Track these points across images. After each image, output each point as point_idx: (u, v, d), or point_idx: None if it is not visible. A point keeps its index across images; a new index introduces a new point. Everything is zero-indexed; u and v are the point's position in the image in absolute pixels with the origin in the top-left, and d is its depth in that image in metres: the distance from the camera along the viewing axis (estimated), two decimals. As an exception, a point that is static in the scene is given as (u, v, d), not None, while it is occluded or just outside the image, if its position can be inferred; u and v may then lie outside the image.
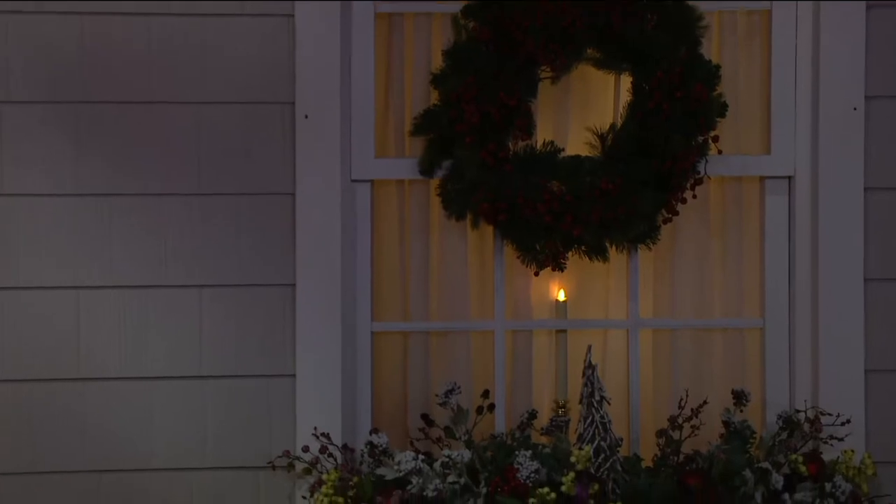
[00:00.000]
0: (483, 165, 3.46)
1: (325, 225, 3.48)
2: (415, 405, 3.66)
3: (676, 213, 3.55)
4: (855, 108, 3.54)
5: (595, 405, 3.39)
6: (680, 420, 3.49)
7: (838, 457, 3.50)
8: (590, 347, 3.45)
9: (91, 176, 3.44)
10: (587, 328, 3.69)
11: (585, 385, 3.41)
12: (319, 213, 3.48)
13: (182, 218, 3.46)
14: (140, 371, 3.45)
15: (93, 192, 3.44)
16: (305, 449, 3.44)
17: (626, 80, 3.56)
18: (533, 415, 3.58)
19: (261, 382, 3.48)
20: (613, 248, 3.56)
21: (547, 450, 3.42)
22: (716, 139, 3.51)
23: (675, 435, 3.49)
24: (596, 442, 3.38)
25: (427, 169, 3.57)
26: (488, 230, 3.61)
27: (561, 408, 3.63)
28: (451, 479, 3.32)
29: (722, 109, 3.53)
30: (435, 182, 3.59)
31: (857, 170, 3.55)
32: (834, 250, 3.55)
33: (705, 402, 3.53)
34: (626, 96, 3.56)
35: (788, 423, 3.54)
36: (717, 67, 3.53)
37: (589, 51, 3.52)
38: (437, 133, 3.53)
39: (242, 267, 3.47)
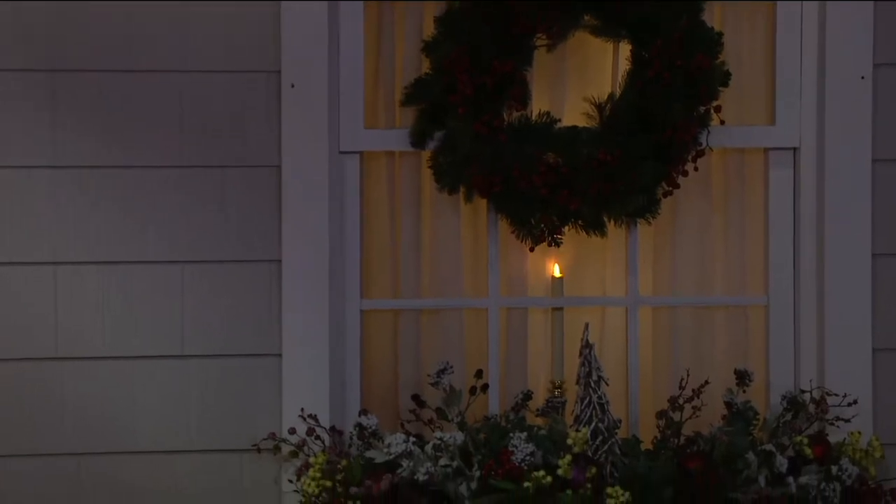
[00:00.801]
0: (477, 137, 3.45)
1: (312, 198, 3.46)
2: (405, 386, 3.65)
3: (677, 186, 3.53)
4: (863, 77, 3.52)
5: (592, 385, 3.38)
6: (680, 401, 3.48)
7: (845, 439, 3.48)
8: (587, 326, 3.44)
9: (69, 148, 3.41)
10: (584, 306, 3.69)
11: (582, 365, 3.40)
12: (306, 187, 3.45)
13: (164, 191, 3.44)
14: (121, 350, 3.43)
15: (71, 164, 3.41)
16: (292, 431, 3.42)
17: (625, 48, 3.55)
18: (528, 395, 3.57)
19: (246, 362, 3.46)
20: (611, 222, 3.55)
21: (542, 432, 3.41)
22: (718, 109, 3.50)
23: (676, 416, 3.48)
24: (593, 424, 3.37)
25: (418, 140, 3.54)
26: (482, 204, 3.60)
27: (557, 388, 3.62)
28: (443, 462, 3.31)
29: (724, 78, 3.51)
30: (426, 154, 3.57)
31: (865, 141, 3.53)
32: (841, 224, 3.54)
33: (707, 383, 3.52)
34: (624, 65, 3.54)
35: (793, 403, 3.52)
36: (720, 35, 3.50)
37: (586, 17, 3.50)
38: (428, 103, 3.51)
39: (226, 242, 3.45)
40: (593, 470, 3.29)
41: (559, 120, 3.54)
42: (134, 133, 3.42)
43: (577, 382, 3.42)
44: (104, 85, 3.41)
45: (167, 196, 3.43)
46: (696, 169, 3.53)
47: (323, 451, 3.40)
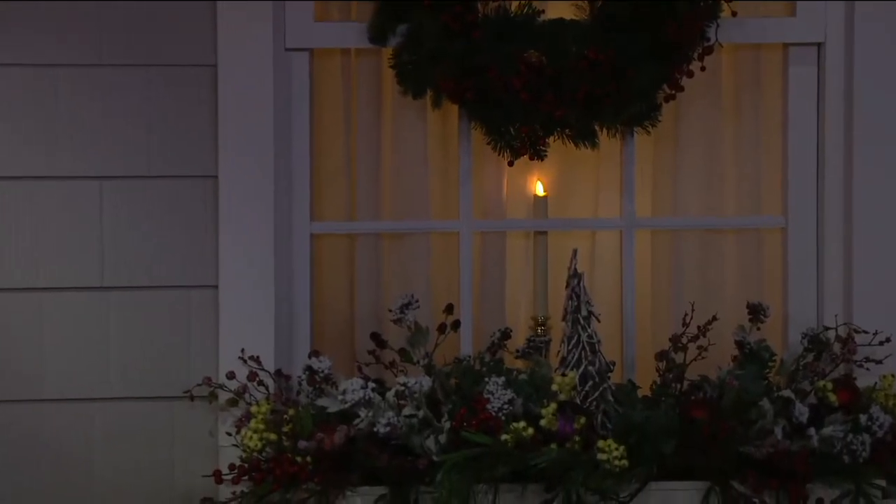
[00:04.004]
0: (446, 32, 3.33)
1: (253, 104, 3.34)
2: (363, 323, 3.56)
3: (681, 90, 3.39)
4: (898, -42, 3.44)
5: (581, 322, 3.27)
6: (684, 340, 3.39)
7: (875, 383, 3.36)
8: (575, 252, 3.31)
9: (-39, 43, 3.36)
10: (572, 229, 3.60)
11: (570, 298, 3.29)
12: (246, 90, 3.34)
13: (78, 94, 3.31)
14: (27, 281, 3.32)
15: (-36, 61, 3.35)
16: (231, 376, 3.32)
17: (620, -75, 3.48)
18: (506, 334, 3.47)
19: (176, 295, 3.36)
20: (604, 132, 3.43)
21: (523, 376, 3.32)
22: (729, -2, 3.44)
23: (679, 358, 3.38)
24: (582, 367, 3.26)
25: (378, 35, 3.41)
26: (452, 110, 3.47)
27: (540, 326, 3.53)
28: (407, 411, 3.20)
29: (737, -39, 3.45)
30: (387, 52, 3.45)
31: (901, 34, 3.47)
32: (872, 133, 3.40)
33: (714, 319, 3.43)
34: (619, -54, 3.47)
35: (815, 342, 3.42)
36: None
37: None
38: (391, -9, 3.46)
39: (152, 155, 3.34)
40: (582, 420, 3.18)
41: (542, 12, 3.42)
42: (41, 25, 3.29)
43: (564, 319, 3.32)
44: (5, -33, 3.34)
45: (82, 100, 3.31)
46: (703, 69, 3.38)
47: (267, 398, 3.29)
